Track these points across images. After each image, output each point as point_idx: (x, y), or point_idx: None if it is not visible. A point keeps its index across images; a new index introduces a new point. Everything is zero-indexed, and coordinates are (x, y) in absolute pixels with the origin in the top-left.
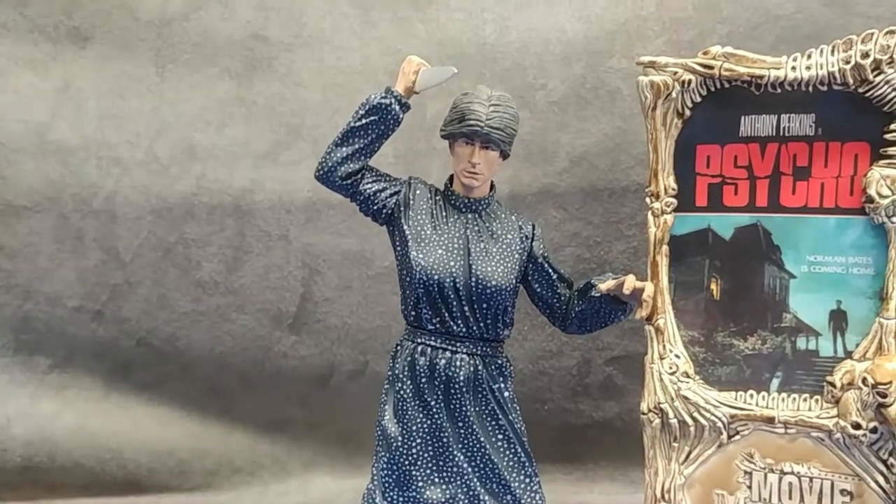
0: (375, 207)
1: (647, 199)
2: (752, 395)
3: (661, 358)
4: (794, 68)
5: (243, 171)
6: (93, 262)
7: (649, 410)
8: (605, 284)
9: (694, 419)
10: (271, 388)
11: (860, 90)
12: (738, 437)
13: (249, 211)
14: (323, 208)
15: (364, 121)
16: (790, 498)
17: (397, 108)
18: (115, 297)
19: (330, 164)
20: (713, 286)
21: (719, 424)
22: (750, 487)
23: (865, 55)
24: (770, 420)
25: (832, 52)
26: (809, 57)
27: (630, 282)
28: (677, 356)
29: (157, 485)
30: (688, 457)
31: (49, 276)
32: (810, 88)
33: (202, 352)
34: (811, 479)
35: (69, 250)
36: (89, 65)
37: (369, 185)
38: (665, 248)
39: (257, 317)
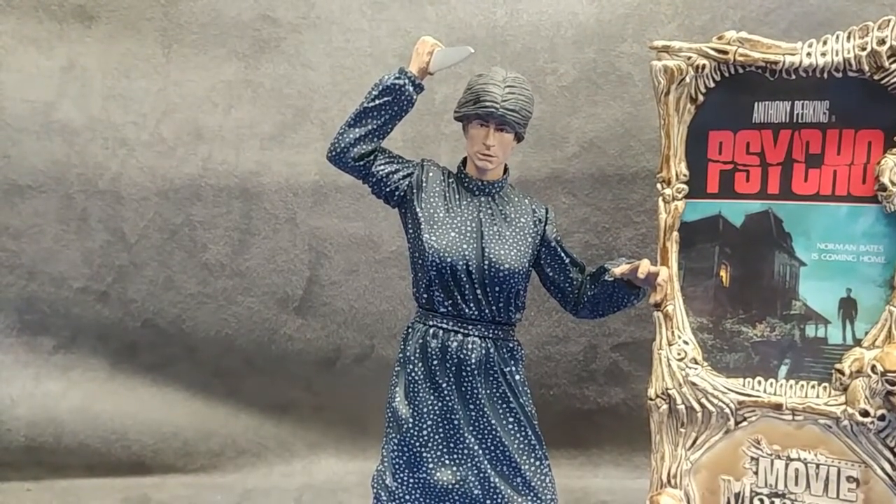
0: (388, 189)
1: (658, 185)
2: (759, 382)
3: (670, 344)
4: (809, 54)
5: (250, 154)
6: (98, 243)
7: (657, 396)
8: (619, 269)
9: (701, 405)
10: (277, 371)
11: (875, 77)
12: (745, 423)
13: (256, 193)
14: (330, 191)
15: (377, 101)
16: (796, 484)
17: (411, 88)
18: (120, 278)
19: (342, 145)
20: (723, 273)
21: (727, 410)
22: (756, 473)
23: (882, 42)
24: (778, 407)
25: (848, 38)
26: (825, 43)
27: (644, 266)
28: (686, 342)
29: (161, 465)
30: (694, 442)
31: (54, 257)
32: (825, 75)
33: (208, 334)
34: (818, 466)
35: (74, 231)
36: (95, 44)
37: (382, 167)
38: (675, 234)
39: (263, 299)
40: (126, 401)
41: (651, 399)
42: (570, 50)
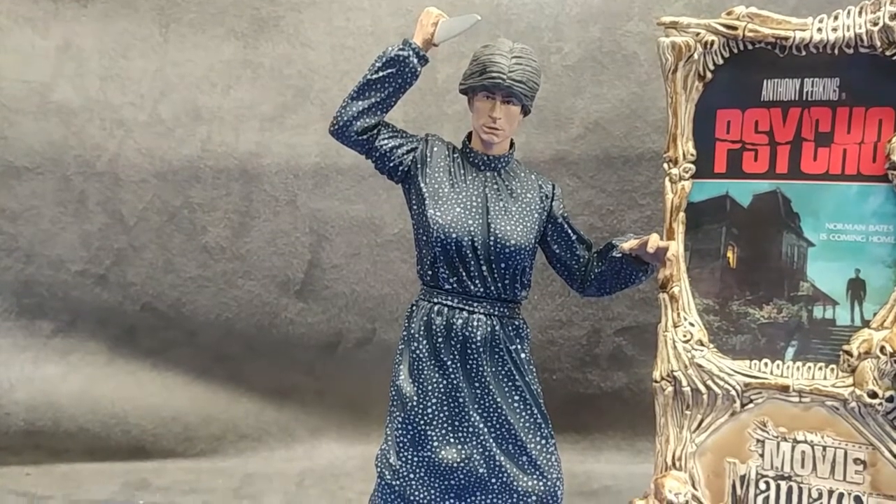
0: (391, 164)
1: (665, 165)
2: (766, 364)
3: (675, 326)
4: (819, 30)
5: (250, 135)
6: (96, 226)
7: (662, 378)
8: (628, 244)
9: (707, 387)
10: (278, 355)
11: (887, 53)
12: (751, 405)
13: (256, 175)
14: (331, 173)
15: (381, 73)
16: (803, 466)
17: (415, 60)
18: (119, 261)
19: (345, 118)
20: (729, 254)
21: (733, 393)
22: (762, 456)
23: (894, 17)
24: (784, 389)
25: (860, 13)
26: (836, 18)
27: (654, 240)
28: (691, 324)
29: (162, 450)
30: (700, 425)
31: (51, 240)
32: (836, 51)
33: (208, 317)
34: (824, 448)
35: (72, 213)
36: (91, 23)
37: (385, 142)
38: (682, 214)
39: (264, 283)
40: (126, 385)
41: (656, 381)
42: (575, 28)
